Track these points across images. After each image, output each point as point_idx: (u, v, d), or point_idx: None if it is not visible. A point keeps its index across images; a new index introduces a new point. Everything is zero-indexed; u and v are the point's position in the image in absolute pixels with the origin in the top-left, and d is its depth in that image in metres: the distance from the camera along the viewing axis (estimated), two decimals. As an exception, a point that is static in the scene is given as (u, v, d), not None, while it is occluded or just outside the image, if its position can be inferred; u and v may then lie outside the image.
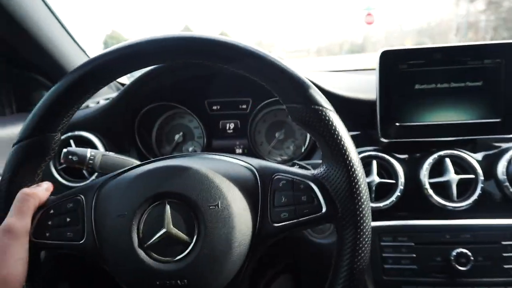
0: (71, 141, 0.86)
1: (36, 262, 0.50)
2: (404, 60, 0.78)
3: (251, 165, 0.52)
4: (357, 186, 0.47)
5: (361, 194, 0.47)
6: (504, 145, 0.81)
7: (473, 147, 0.81)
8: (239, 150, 0.99)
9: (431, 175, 0.79)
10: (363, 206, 0.47)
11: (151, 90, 0.92)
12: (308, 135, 0.96)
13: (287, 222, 0.48)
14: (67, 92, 0.49)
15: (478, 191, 0.77)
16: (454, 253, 0.75)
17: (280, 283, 1.11)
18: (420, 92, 0.79)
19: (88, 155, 0.68)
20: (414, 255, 0.77)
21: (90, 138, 0.87)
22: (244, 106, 0.98)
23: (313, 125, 0.48)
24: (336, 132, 0.47)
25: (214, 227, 0.46)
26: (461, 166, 0.79)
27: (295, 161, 0.62)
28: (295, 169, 0.51)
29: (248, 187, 0.50)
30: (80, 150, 0.68)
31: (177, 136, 0.99)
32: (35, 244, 0.49)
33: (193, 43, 0.47)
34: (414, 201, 0.80)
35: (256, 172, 0.51)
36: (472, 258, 0.74)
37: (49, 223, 0.49)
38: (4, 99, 0.95)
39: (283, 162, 0.96)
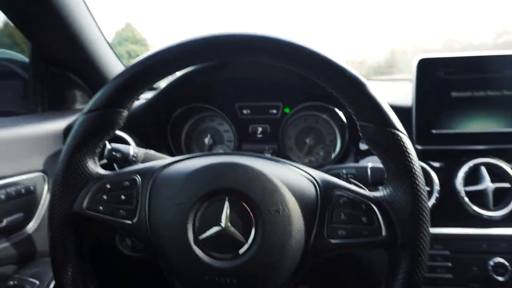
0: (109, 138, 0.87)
1: (86, 236, 0.51)
2: (440, 68, 0.79)
3: (312, 176, 0.50)
4: (421, 216, 0.46)
5: (424, 225, 0.46)
6: None
7: (509, 156, 0.81)
8: (268, 155, 0.99)
9: (466, 184, 0.79)
10: (424, 238, 0.46)
11: (184, 92, 0.93)
12: (339, 143, 0.96)
13: (343, 241, 0.47)
14: (144, 72, 0.49)
15: None
16: (491, 262, 0.74)
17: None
18: (457, 99, 0.79)
19: (131, 152, 0.68)
20: (450, 264, 0.76)
21: (124, 137, 0.87)
22: (275, 111, 0.98)
23: (385, 147, 0.47)
24: (409, 159, 0.46)
25: (273, 232, 0.45)
26: (497, 174, 0.79)
27: (350, 178, 0.62)
28: (356, 188, 0.49)
29: (307, 199, 0.48)
30: (123, 147, 0.68)
31: (206, 139, 1.00)
32: (88, 216, 0.49)
33: (279, 45, 0.47)
34: (449, 209, 0.79)
35: (317, 185, 0.49)
36: (510, 268, 0.73)
37: (104, 197, 0.49)
38: (37, 96, 0.96)
39: (314, 168, 0.95)
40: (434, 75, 0.79)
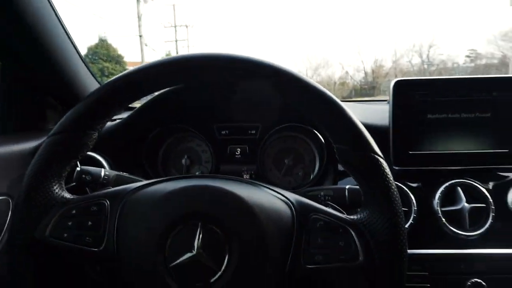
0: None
1: (49, 265, 0.48)
2: (416, 90, 0.80)
3: (289, 200, 0.49)
4: (399, 238, 0.45)
5: (402, 248, 0.45)
6: None
7: (483, 177, 0.82)
8: (246, 176, 0.97)
9: (443, 204, 0.79)
10: (401, 261, 0.45)
11: (161, 112, 0.92)
12: (317, 163, 0.96)
13: (320, 266, 0.45)
14: (115, 93, 0.48)
15: (490, 220, 0.77)
16: (469, 283, 0.74)
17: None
18: (432, 121, 0.81)
19: (102, 174, 0.66)
20: (428, 285, 0.76)
21: (97, 158, 0.85)
22: (253, 132, 0.98)
23: (361, 170, 0.47)
24: (385, 182, 0.46)
25: (246, 259, 0.44)
26: (472, 195, 0.80)
27: (328, 201, 0.61)
28: (334, 212, 0.49)
29: (283, 223, 0.47)
30: (94, 169, 0.66)
31: (183, 160, 0.98)
32: (51, 244, 0.46)
33: (259, 68, 0.47)
34: (427, 230, 0.79)
35: (293, 208, 0.48)
36: None
37: (69, 223, 0.47)
38: (7, 117, 0.92)
39: (293, 189, 0.94)
40: (410, 97, 0.81)
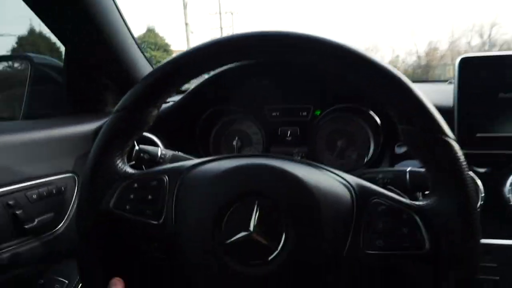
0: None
1: (113, 236, 0.50)
2: (485, 68, 0.73)
3: (348, 182, 0.47)
4: (473, 229, 0.41)
5: (476, 236, 0.41)
6: None
7: None
8: (297, 158, 0.96)
9: None
10: (475, 252, 0.41)
11: (213, 94, 0.92)
12: (372, 145, 0.92)
13: (382, 252, 0.43)
14: (174, 72, 0.48)
15: None
16: None
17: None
18: (503, 101, 0.73)
19: (159, 153, 0.67)
20: (498, 278, 0.71)
21: (153, 138, 0.87)
22: (305, 113, 0.95)
23: (432, 154, 0.43)
24: (460, 168, 0.42)
25: (304, 239, 0.42)
26: None
27: (389, 186, 0.58)
28: (397, 196, 0.45)
29: (342, 206, 0.45)
30: (151, 148, 0.68)
31: (234, 142, 0.98)
32: (114, 215, 0.48)
33: (322, 45, 0.44)
34: (495, 218, 0.73)
35: (353, 191, 0.46)
36: None
37: (131, 196, 0.48)
38: (71, 99, 0.98)
39: (346, 172, 0.92)
40: (478, 75, 0.74)
